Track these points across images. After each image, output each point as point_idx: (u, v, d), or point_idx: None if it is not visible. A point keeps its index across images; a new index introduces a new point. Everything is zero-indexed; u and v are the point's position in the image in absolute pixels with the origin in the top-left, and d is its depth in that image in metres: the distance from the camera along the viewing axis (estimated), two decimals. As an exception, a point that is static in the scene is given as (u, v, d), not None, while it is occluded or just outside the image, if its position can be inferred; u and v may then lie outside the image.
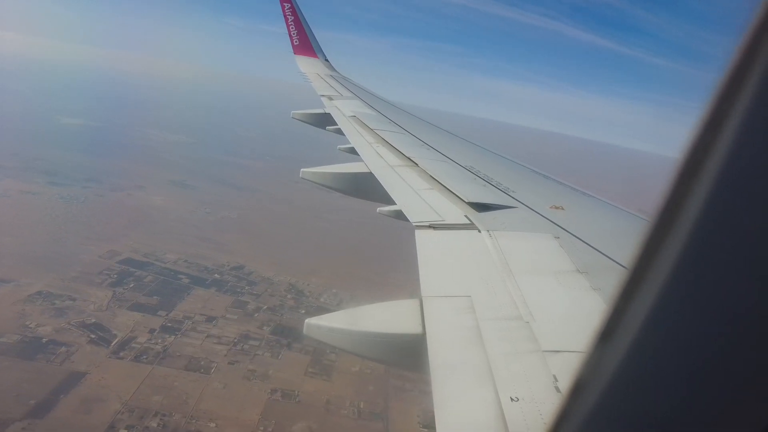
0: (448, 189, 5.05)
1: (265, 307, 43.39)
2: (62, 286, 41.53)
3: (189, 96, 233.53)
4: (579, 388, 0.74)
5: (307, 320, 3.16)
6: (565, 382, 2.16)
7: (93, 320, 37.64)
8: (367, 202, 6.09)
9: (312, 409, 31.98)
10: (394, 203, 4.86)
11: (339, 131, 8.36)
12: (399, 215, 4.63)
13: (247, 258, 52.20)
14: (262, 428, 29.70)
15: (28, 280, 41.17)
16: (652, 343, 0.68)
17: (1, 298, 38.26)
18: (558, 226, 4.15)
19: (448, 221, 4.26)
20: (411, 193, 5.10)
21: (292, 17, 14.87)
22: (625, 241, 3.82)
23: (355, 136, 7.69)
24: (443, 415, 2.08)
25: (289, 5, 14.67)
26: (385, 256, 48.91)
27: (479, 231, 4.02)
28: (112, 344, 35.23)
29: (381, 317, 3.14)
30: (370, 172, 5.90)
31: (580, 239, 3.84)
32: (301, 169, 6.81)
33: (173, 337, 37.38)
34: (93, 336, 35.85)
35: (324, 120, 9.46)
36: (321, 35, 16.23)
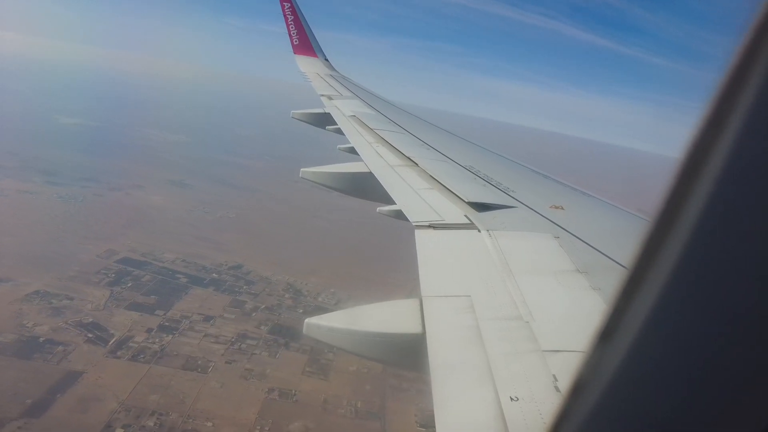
0: (447, 189, 5.04)
1: (262, 307, 43.34)
2: (60, 286, 41.43)
3: (189, 96, 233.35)
4: (579, 388, 0.74)
5: (306, 320, 3.15)
6: (565, 382, 2.16)
7: (90, 319, 37.56)
8: (367, 202, 6.08)
9: (309, 408, 31.95)
10: (393, 203, 4.86)
11: (339, 131, 8.35)
12: (399, 215, 4.63)
13: (245, 257, 52.15)
14: (258, 427, 29.65)
15: (26, 280, 41.06)
16: (652, 343, 0.67)
17: (-2, 297, 38.19)
18: (558, 225, 4.15)
19: (447, 221, 4.25)
20: (411, 192, 5.09)
21: (292, 17, 14.86)
22: (625, 240, 3.83)
23: (355, 136, 7.68)
24: (443, 414, 2.07)
25: (289, 5, 14.66)
26: (384, 256, 48.89)
27: (479, 231, 4.02)
28: (110, 343, 35.15)
29: (381, 317, 3.13)
30: (370, 172, 5.89)
31: (580, 239, 3.84)
32: (301, 169, 6.80)
33: (171, 336, 37.31)
34: (90, 335, 35.76)
35: (324, 120, 9.45)
36: (321, 35, 16.24)
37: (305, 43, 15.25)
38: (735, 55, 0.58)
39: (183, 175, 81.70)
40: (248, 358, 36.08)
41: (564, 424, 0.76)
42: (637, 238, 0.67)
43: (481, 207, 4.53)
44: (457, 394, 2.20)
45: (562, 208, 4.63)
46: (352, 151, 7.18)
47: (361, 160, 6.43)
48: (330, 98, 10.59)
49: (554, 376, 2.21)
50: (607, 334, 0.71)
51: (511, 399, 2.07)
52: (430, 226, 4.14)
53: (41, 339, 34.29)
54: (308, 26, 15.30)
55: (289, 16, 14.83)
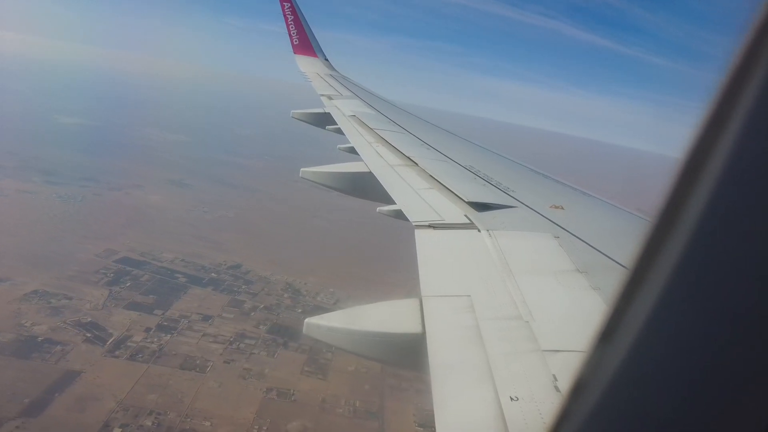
0: (447, 188, 5.04)
1: (261, 306, 43.31)
2: (58, 285, 41.37)
3: (189, 96, 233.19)
4: (579, 387, 0.74)
5: (306, 320, 3.15)
6: (565, 382, 2.15)
7: (89, 319, 37.50)
8: (367, 202, 6.08)
9: (307, 408, 31.93)
10: (393, 203, 4.85)
11: (339, 131, 8.35)
12: (399, 215, 4.62)
13: (244, 257, 52.12)
14: (257, 427, 29.62)
15: (24, 279, 41.00)
16: (652, 344, 0.67)
17: (-3, 296, 38.12)
18: (558, 225, 4.15)
19: (447, 221, 4.25)
20: (411, 192, 5.09)
21: (292, 17, 14.86)
22: (625, 240, 3.83)
23: (355, 136, 7.68)
24: (443, 414, 2.07)
25: (289, 5, 14.66)
26: (384, 256, 48.91)
27: (479, 230, 4.02)
28: (108, 343, 35.11)
29: (380, 317, 3.13)
30: (370, 172, 5.89)
31: (580, 239, 3.84)
32: (301, 169, 6.79)
33: (169, 335, 37.27)
34: (88, 335, 35.71)
35: (324, 119, 9.44)
36: (321, 35, 16.24)
37: (305, 43, 15.24)
38: (735, 55, 0.58)
39: (182, 175, 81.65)
40: (247, 357, 36.05)
41: (564, 424, 0.76)
42: (638, 238, 0.67)
43: (481, 207, 4.53)
44: (456, 394, 2.20)
45: (562, 208, 4.63)
46: (352, 150, 7.17)
47: (361, 160, 6.43)
48: (330, 98, 10.59)
49: (554, 375, 2.21)
50: (607, 335, 0.71)
51: (511, 399, 2.07)
52: (430, 226, 4.13)
53: (39, 338, 34.23)
54: (308, 26, 15.30)
55: (289, 16, 14.82)
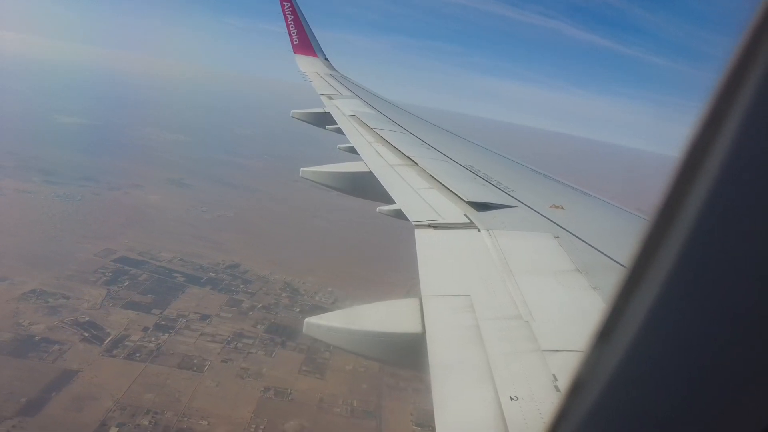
0: (447, 188, 5.04)
1: (259, 306, 43.29)
2: (56, 285, 41.30)
3: (189, 96, 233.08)
4: (578, 387, 0.74)
5: (306, 319, 3.14)
6: (565, 382, 2.14)
7: (86, 318, 37.45)
8: (367, 202, 6.07)
9: (305, 407, 31.90)
10: (393, 202, 4.84)
11: (339, 130, 8.34)
12: (398, 214, 4.62)
13: (242, 257, 52.09)
14: (254, 426, 29.59)
15: (23, 279, 40.93)
16: (651, 343, 0.67)
17: (-6, 295, 38.03)
18: (558, 225, 4.14)
19: (447, 220, 4.25)
20: (411, 192, 5.08)
21: (292, 16, 14.86)
22: (624, 240, 3.83)
23: (355, 136, 7.67)
24: (443, 414, 2.06)
25: (289, 4, 14.65)
26: (383, 256, 48.93)
27: (479, 230, 4.01)
28: (105, 342, 35.05)
29: (380, 316, 3.12)
30: (370, 172, 5.88)
31: (580, 239, 3.84)
32: (301, 169, 6.78)
33: (167, 335, 37.23)
34: (86, 334, 35.65)
35: (324, 119, 9.43)
36: (320, 34, 16.23)
37: (305, 43, 15.24)
38: (734, 54, 0.58)
39: (182, 175, 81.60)
40: (244, 357, 36.02)
41: (563, 423, 0.76)
42: (637, 237, 0.67)
43: (481, 206, 4.52)
44: (456, 394, 2.19)
45: (562, 208, 4.63)
46: (352, 150, 7.16)
47: (361, 160, 6.42)
48: (330, 98, 10.58)
49: (554, 375, 2.21)
50: (605, 334, 0.70)
51: (511, 398, 2.06)
52: (429, 226, 4.13)
53: (37, 338, 34.17)
54: (308, 26, 15.30)
55: (288, 16, 14.82)
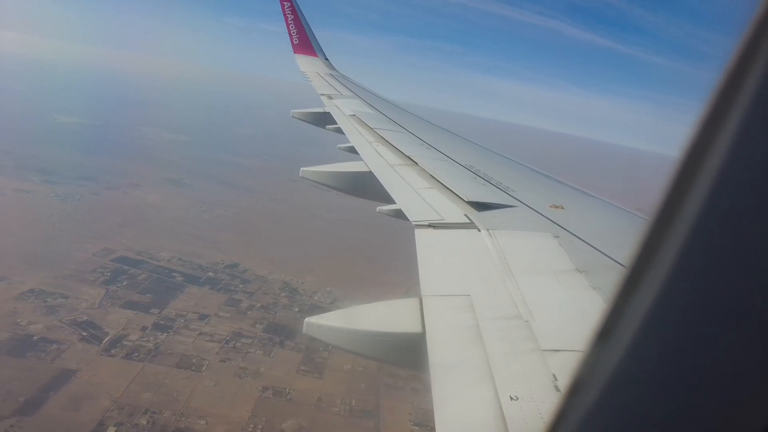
0: (447, 188, 5.03)
1: (258, 305, 43.26)
2: (55, 284, 41.24)
3: (188, 96, 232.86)
4: (578, 387, 0.73)
5: (307, 319, 3.14)
6: (565, 381, 2.14)
7: (85, 318, 37.39)
8: (367, 201, 6.06)
9: (303, 406, 31.88)
10: (393, 202, 4.84)
11: (339, 130, 8.33)
12: (398, 214, 4.61)
13: (241, 256, 52.06)
14: (252, 426, 29.55)
15: (21, 278, 40.86)
16: (650, 343, 0.67)
17: (-7, 295, 37.95)
18: (558, 225, 4.14)
19: (447, 220, 4.24)
20: (411, 192, 5.08)
21: (292, 16, 14.85)
22: (624, 240, 3.82)
23: (355, 135, 7.66)
24: (443, 414, 2.06)
25: (289, 4, 14.65)
26: (383, 255, 48.94)
27: (479, 230, 4.01)
28: (104, 342, 35.00)
29: (380, 316, 3.12)
30: (370, 171, 5.87)
31: (580, 238, 3.84)
32: (301, 168, 6.77)
33: (165, 334, 37.19)
34: (84, 333, 35.59)
35: (324, 119, 9.43)
36: (321, 34, 16.23)
37: (305, 43, 15.23)
38: (734, 54, 0.58)
39: (181, 175, 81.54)
40: (243, 356, 35.99)
41: (563, 423, 0.76)
42: (637, 237, 0.66)
43: (481, 206, 4.52)
44: (456, 394, 2.19)
45: (562, 208, 4.62)
46: (352, 150, 7.16)
47: (361, 160, 6.41)
48: (330, 97, 10.58)
49: (554, 375, 2.20)
50: (605, 334, 0.70)
51: (511, 398, 2.06)
52: (429, 226, 4.12)
53: (35, 337, 34.11)
54: (308, 25, 15.29)
55: (289, 16, 14.81)
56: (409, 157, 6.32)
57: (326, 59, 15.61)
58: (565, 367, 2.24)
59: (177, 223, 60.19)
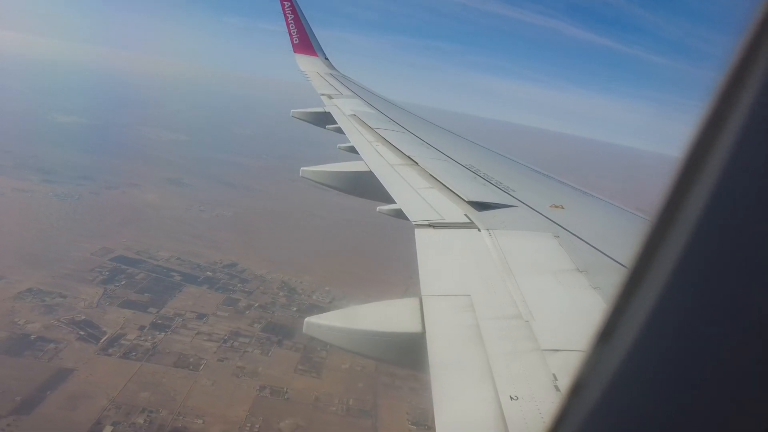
0: (447, 188, 5.03)
1: (256, 305, 43.23)
2: (53, 284, 41.16)
3: (188, 95, 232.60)
4: (578, 387, 0.73)
5: (306, 319, 3.13)
6: (565, 381, 2.14)
7: (83, 317, 37.33)
8: (367, 201, 6.06)
9: (300, 406, 31.85)
10: (393, 202, 4.84)
11: (339, 130, 8.33)
12: (399, 214, 4.61)
13: (240, 256, 52.01)
14: (249, 425, 29.52)
15: (19, 277, 40.78)
16: (651, 343, 0.67)
17: (-10, 293, 37.86)
18: (558, 225, 4.14)
19: (447, 220, 4.24)
20: (411, 191, 5.07)
21: (292, 16, 14.85)
22: (625, 240, 3.82)
23: (355, 135, 7.66)
24: (443, 413, 2.05)
25: (289, 4, 14.64)
26: (383, 255, 48.91)
27: (479, 230, 4.01)
28: (101, 341, 34.93)
29: (380, 316, 3.12)
30: (370, 171, 5.87)
31: (580, 238, 3.83)
32: (301, 168, 6.77)
33: (163, 334, 37.14)
34: (82, 333, 35.53)
35: (324, 119, 9.42)
36: (321, 34, 16.22)
37: (305, 42, 15.23)
38: (735, 53, 0.58)
39: (181, 174, 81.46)
40: (240, 355, 35.95)
41: (563, 423, 0.76)
42: (638, 237, 0.66)
43: (481, 206, 4.51)
44: (456, 393, 2.19)
45: (562, 208, 4.62)
46: (352, 150, 7.15)
47: (361, 159, 6.41)
48: (330, 97, 10.57)
49: (554, 375, 2.20)
50: (606, 334, 0.70)
51: (511, 398, 2.05)
52: (430, 226, 4.12)
53: (33, 336, 34.03)
54: (308, 25, 15.29)
55: (289, 15, 14.81)
56: (409, 157, 6.31)
57: (326, 59, 15.60)
58: (565, 367, 2.24)
59: (176, 222, 60.12)
